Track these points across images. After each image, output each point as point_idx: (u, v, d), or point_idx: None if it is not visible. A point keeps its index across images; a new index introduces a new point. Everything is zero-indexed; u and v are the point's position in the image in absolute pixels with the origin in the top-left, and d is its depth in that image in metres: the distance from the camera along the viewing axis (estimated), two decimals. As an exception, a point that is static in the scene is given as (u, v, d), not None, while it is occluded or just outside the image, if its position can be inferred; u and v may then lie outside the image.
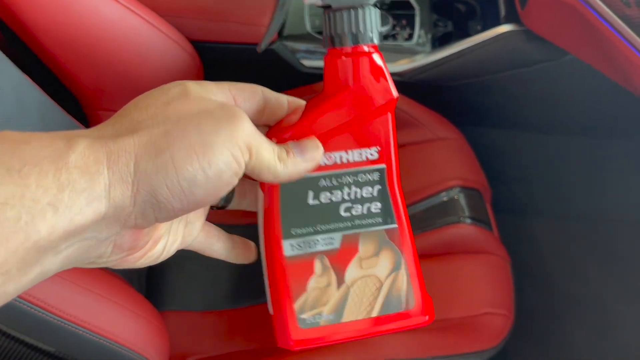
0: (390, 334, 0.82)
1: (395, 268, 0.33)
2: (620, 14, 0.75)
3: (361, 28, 0.30)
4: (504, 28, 0.97)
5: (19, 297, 0.50)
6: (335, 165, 0.32)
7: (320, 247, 0.32)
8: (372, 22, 0.31)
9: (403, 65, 1.04)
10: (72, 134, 0.24)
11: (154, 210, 0.25)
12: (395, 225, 0.33)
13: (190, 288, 0.88)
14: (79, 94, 0.85)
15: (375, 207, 0.33)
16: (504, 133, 1.19)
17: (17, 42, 0.77)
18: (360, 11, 0.30)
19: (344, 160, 0.32)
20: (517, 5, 0.95)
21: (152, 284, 0.88)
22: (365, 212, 0.33)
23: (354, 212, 0.32)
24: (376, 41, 0.31)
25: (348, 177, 0.32)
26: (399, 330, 0.34)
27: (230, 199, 0.34)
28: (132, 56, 0.83)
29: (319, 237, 0.32)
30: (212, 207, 0.34)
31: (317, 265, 0.32)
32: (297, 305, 0.32)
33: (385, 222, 0.33)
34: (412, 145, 1.00)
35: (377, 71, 0.31)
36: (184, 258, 0.90)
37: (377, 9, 0.31)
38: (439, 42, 1.10)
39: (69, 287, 0.56)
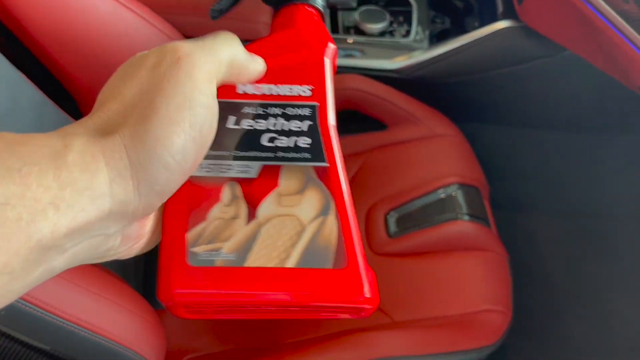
0: (385, 332, 0.81)
1: (323, 212, 0.28)
2: (618, 9, 0.74)
3: None
4: (502, 24, 0.96)
5: (14, 295, 0.50)
6: (263, 96, 0.31)
7: (232, 174, 0.28)
8: None
9: (400, 62, 1.04)
10: (66, 132, 0.24)
11: (159, 195, 0.25)
12: (325, 164, 0.29)
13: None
14: (74, 91, 0.84)
15: (304, 142, 0.30)
16: (501, 130, 1.19)
17: (12, 40, 0.77)
18: None
19: (273, 93, 0.31)
20: (514, 1, 0.95)
21: (149, 282, 0.88)
22: (291, 145, 0.29)
23: (278, 144, 0.29)
24: (320, 3, 0.35)
25: (275, 109, 0.30)
26: (322, 298, 0.26)
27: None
28: (127, 53, 0.83)
29: (233, 162, 0.29)
30: None
31: (226, 192, 0.28)
32: (190, 235, 0.27)
33: (315, 159, 0.29)
34: (409, 142, 1.00)
35: (315, 22, 0.34)
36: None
37: None
38: (437, 38, 1.09)
39: (66, 285, 0.56)
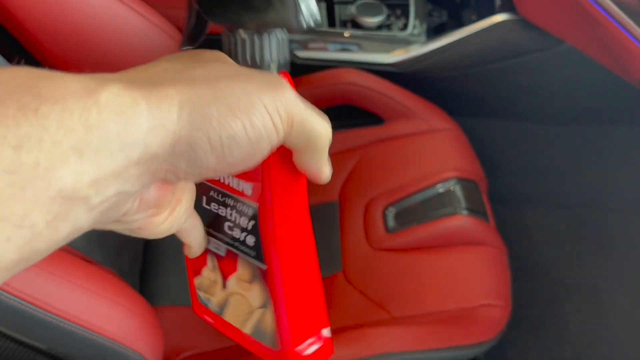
0: (384, 328, 0.81)
1: (264, 305, 0.32)
2: (617, 1, 0.74)
3: (257, 57, 0.28)
4: (500, 17, 0.96)
5: (10, 293, 0.49)
6: (222, 184, 0.31)
7: (211, 247, 0.33)
8: (273, 50, 0.29)
9: (398, 55, 1.03)
10: (101, 75, 0.22)
11: (188, 164, 0.23)
12: (263, 266, 0.31)
13: (184, 283, 0.87)
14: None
15: (250, 240, 0.31)
16: (499, 123, 1.18)
17: (5, 34, 0.76)
18: (257, 39, 0.28)
19: (227, 183, 0.31)
20: (512, -6, 0.95)
21: (145, 280, 0.87)
22: (242, 239, 0.31)
23: (234, 234, 0.31)
24: (274, 69, 0.29)
25: (230, 200, 0.31)
26: None
27: None
28: (121, 47, 0.82)
29: (211, 238, 0.33)
30: None
31: (209, 261, 0.34)
32: (196, 282, 0.35)
33: (257, 258, 0.31)
34: (407, 137, 0.99)
35: None
36: (178, 253, 0.89)
37: (283, 34, 0.29)
38: (434, 32, 1.09)
39: (62, 283, 0.55)
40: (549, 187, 1.23)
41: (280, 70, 0.29)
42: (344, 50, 1.05)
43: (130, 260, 0.85)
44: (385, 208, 0.92)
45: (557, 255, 1.17)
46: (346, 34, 1.06)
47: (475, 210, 0.91)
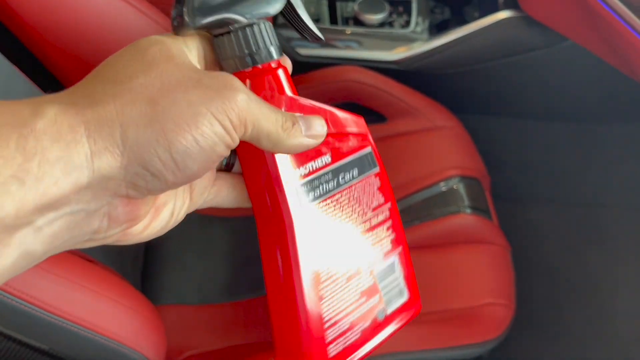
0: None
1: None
2: (622, -3, 0.73)
3: (256, 47, 0.28)
4: (503, 14, 0.95)
5: (11, 294, 0.48)
6: None
7: None
8: (266, 38, 0.28)
9: (400, 53, 1.03)
10: (37, 100, 0.22)
11: (146, 182, 0.23)
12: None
13: (186, 282, 0.87)
14: (67, 83, 0.83)
15: None
16: (502, 120, 1.18)
17: (4, 31, 0.75)
18: (249, 30, 0.28)
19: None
20: (515, -9, 0.94)
21: (147, 278, 0.87)
22: None
23: None
24: (276, 56, 0.29)
25: None
26: None
27: (232, 163, 0.32)
28: (120, 44, 0.81)
29: None
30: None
31: None
32: None
33: None
34: (410, 135, 0.99)
35: (279, 89, 0.30)
36: (180, 251, 0.88)
37: (268, 23, 0.29)
38: (437, 29, 1.08)
39: (63, 283, 0.55)
40: (552, 184, 1.22)
41: (280, 54, 0.29)
42: (346, 47, 1.04)
43: (132, 259, 0.84)
44: (388, 206, 0.92)
45: (560, 253, 1.17)
46: (348, 31, 1.05)
47: (478, 208, 0.90)
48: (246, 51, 0.28)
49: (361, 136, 0.32)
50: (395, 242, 0.34)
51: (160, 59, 0.24)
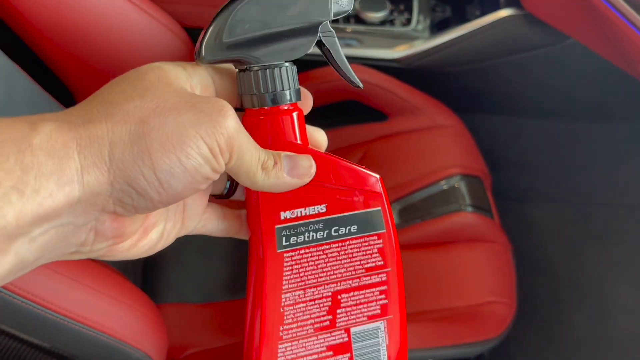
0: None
1: None
2: (624, -5, 0.73)
3: (272, 88, 0.29)
4: (504, 12, 0.95)
5: (14, 292, 0.48)
6: None
7: None
8: (285, 81, 0.29)
9: (401, 51, 1.03)
10: (35, 118, 0.23)
11: (132, 200, 0.24)
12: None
13: (187, 280, 0.87)
14: (68, 82, 0.83)
15: None
16: (503, 119, 1.18)
17: (6, 30, 0.75)
18: (277, 70, 0.29)
19: None
20: (517, -11, 0.94)
21: (148, 276, 0.87)
22: None
23: None
24: (293, 99, 0.29)
25: None
26: None
27: (234, 189, 0.32)
28: (122, 43, 0.81)
29: None
30: (215, 196, 0.32)
31: None
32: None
33: None
34: (411, 133, 0.99)
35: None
36: (181, 249, 0.88)
37: (293, 66, 0.30)
38: (438, 27, 1.08)
39: (65, 281, 0.55)
40: (553, 183, 1.22)
41: (296, 98, 0.30)
42: (346, 45, 1.04)
43: (133, 257, 0.84)
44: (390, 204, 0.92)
45: (561, 251, 1.17)
46: (349, 29, 1.05)
47: (479, 206, 0.90)
48: (263, 90, 0.28)
49: (372, 194, 0.32)
50: (387, 309, 0.33)
51: (158, 84, 0.25)
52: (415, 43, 1.03)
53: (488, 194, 0.95)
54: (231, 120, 0.25)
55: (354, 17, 1.07)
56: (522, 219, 1.19)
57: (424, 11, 1.07)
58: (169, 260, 0.88)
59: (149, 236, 0.28)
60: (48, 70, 0.81)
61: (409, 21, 1.06)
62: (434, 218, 0.88)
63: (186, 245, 0.89)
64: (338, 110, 1.02)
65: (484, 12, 0.99)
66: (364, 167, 0.32)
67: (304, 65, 1.03)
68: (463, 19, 1.04)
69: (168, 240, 0.29)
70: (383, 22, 1.06)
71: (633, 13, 0.73)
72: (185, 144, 0.23)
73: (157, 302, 0.80)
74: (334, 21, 1.07)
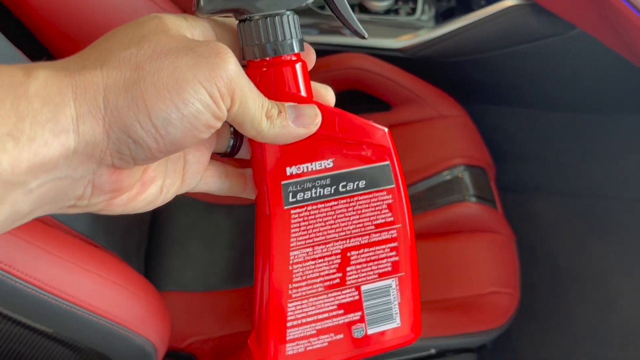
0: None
1: None
2: (632, -17, 0.73)
3: (279, 37, 0.27)
4: (509, 2, 0.94)
5: (17, 276, 0.48)
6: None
7: None
8: (287, 30, 0.28)
9: (405, 40, 1.02)
10: (31, 65, 0.22)
11: (130, 150, 0.23)
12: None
13: (190, 269, 0.87)
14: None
15: None
16: (508, 110, 1.17)
17: (8, 15, 0.75)
18: (277, 19, 0.27)
19: None
20: (523, -22, 0.93)
21: (151, 265, 0.87)
22: None
23: None
24: (297, 49, 0.28)
25: None
26: None
27: (238, 146, 0.31)
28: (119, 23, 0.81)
29: None
30: (218, 154, 0.31)
31: None
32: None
33: None
34: (415, 123, 0.98)
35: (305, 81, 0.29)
36: (183, 238, 0.88)
37: (295, 15, 0.28)
38: (442, 17, 1.07)
39: (67, 266, 0.55)
40: (558, 174, 1.22)
41: (300, 48, 0.28)
42: (351, 35, 1.03)
43: (135, 244, 0.84)
44: (393, 195, 0.92)
45: (564, 243, 1.16)
46: (353, 18, 1.04)
47: (483, 197, 0.90)
48: (265, 40, 0.27)
49: (380, 148, 0.31)
50: (398, 266, 0.32)
51: (156, 31, 0.24)
52: (420, 33, 1.02)
53: (492, 185, 0.94)
54: (231, 64, 0.24)
55: (358, 6, 1.06)
56: (524, 211, 1.18)
57: (429, 1, 1.07)
58: (172, 249, 0.88)
59: (148, 191, 0.27)
60: (52, 57, 0.81)
61: (413, 10, 1.05)
62: (438, 208, 0.88)
63: (189, 234, 0.89)
64: (341, 100, 1.01)
65: (490, 2, 0.98)
66: (371, 120, 0.31)
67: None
68: (468, 9, 1.03)
69: (167, 196, 0.29)
70: (387, 11, 1.05)
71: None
72: (182, 89, 0.22)
73: (160, 290, 0.80)
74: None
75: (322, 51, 1.02)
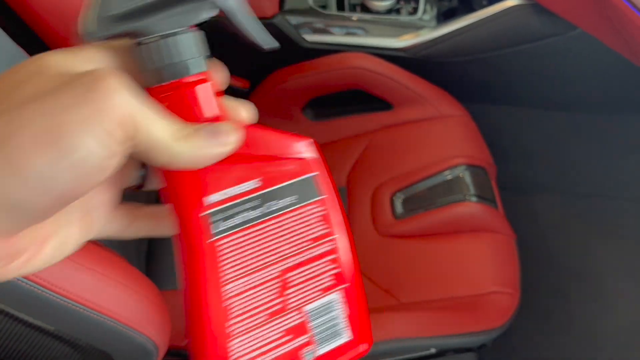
0: (391, 313, 0.81)
1: None
2: (633, -16, 0.73)
3: (166, 60, 0.25)
4: (511, 2, 0.94)
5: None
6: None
7: None
8: (186, 50, 0.25)
9: (407, 40, 1.02)
10: None
11: (15, 214, 0.20)
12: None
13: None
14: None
15: None
16: (509, 110, 1.17)
17: (11, 14, 0.75)
18: (171, 40, 0.25)
19: None
20: (524, -22, 0.93)
21: (151, 263, 0.87)
22: None
23: None
24: (193, 70, 0.25)
25: None
26: None
27: (146, 178, 0.28)
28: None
29: None
30: (125, 189, 0.28)
31: None
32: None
33: None
34: (416, 123, 0.98)
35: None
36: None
37: (195, 32, 0.25)
38: (444, 17, 1.07)
39: (70, 265, 0.55)
40: (558, 174, 1.22)
41: (203, 68, 0.26)
42: (352, 34, 1.04)
43: (136, 243, 0.85)
44: (393, 194, 0.92)
45: (565, 243, 1.16)
46: (354, 17, 1.04)
47: (484, 197, 0.90)
48: (160, 64, 0.25)
49: (308, 160, 0.29)
50: (341, 277, 0.30)
51: (33, 74, 0.21)
52: (422, 32, 1.02)
53: (492, 185, 0.95)
54: (120, 90, 0.21)
55: (360, 6, 1.06)
56: (525, 211, 1.18)
57: (431, 0, 1.07)
58: (172, 248, 0.88)
59: (46, 250, 0.24)
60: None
61: (415, 10, 1.06)
62: (438, 208, 0.88)
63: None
64: (343, 99, 1.02)
65: (491, 2, 0.98)
66: (292, 134, 0.29)
67: (307, 54, 1.03)
68: (470, 9, 1.03)
69: (69, 248, 0.25)
70: (389, 11, 1.05)
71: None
72: (62, 136, 0.19)
73: (160, 289, 0.80)
74: (340, 9, 1.07)
75: (324, 51, 1.02)
